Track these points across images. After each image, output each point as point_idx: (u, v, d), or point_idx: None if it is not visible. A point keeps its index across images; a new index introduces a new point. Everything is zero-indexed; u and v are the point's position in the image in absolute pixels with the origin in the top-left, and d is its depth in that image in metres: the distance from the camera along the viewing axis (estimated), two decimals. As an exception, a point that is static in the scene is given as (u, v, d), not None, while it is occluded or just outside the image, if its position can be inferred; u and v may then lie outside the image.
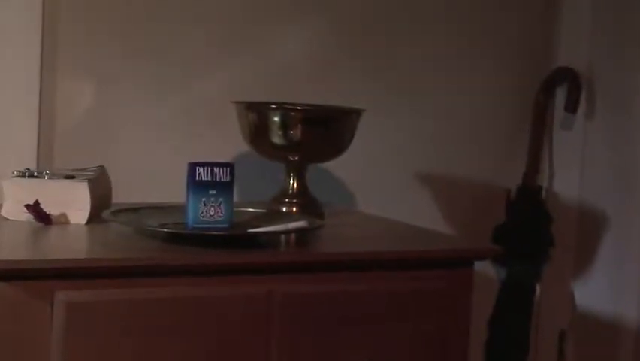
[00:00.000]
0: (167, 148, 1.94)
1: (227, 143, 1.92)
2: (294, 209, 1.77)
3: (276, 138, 1.74)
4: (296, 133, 1.73)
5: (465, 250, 1.66)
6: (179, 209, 1.56)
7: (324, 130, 1.76)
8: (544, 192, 2.31)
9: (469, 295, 1.61)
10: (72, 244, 1.53)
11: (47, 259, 1.38)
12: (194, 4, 1.97)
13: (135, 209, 1.62)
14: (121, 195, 1.77)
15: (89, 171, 1.72)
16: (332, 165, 1.97)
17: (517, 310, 2.26)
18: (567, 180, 2.34)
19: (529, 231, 2.26)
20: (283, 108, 1.76)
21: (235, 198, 1.56)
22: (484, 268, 2.17)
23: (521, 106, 2.29)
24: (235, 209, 1.56)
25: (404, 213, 1.99)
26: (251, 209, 1.67)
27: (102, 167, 1.76)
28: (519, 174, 2.29)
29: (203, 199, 1.52)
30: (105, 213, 1.56)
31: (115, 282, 1.38)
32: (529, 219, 2.26)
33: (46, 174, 1.65)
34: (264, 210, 1.70)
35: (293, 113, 1.74)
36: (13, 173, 1.65)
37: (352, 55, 2.11)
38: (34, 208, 1.58)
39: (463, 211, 2.25)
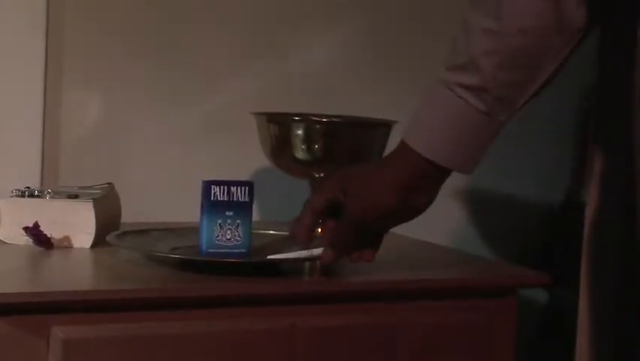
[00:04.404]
0: (182, 164, 1.86)
1: (247, 158, 1.83)
2: (319, 230, 1.65)
3: (300, 153, 1.65)
4: (321, 147, 1.64)
5: (509, 277, 1.54)
6: (193, 231, 1.46)
7: (352, 144, 1.66)
8: (590, 209, 2.20)
9: (512, 328, 1.49)
10: (73, 272, 1.42)
11: (40, 291, 1.27)
12: (211, 8, 1.88)
13: (144, 231, 1.52)
14: (131, 215, 1.67)
15: (96, 189, 1.61)
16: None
17: (561, 339, 2.15)
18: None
19: (574, 252, 2.14)
20: (307, 120, 1.66)
21: (254, 218, 1.46)
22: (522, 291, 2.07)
23: (564, 113, 2.18)
24: (254, 231, 1.45)
25: (437, 234, 1.89)
26: (272, 231, 1.57)
27: (110, 184, 1.65)
28: (562, 189, 2.17)
29: (219, 221, 1.41)
30: (110, 237, 1.45)
31: (118, 316, 1.26)
32: (574, 239, 2.14)
33: (48, 193, 1.54)
34: (286, 233, 1.58)
35: (318, 126, 1.65)
36: (12, 192, 1.54)
37: (383, 63, 2.01)
38: (33, 231, 1.47)
39: (502, 231, 2.14)
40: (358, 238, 1.29)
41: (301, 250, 1.38)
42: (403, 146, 1.22)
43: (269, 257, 1.43)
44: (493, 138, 1.22)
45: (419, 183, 1.22)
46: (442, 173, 1.22)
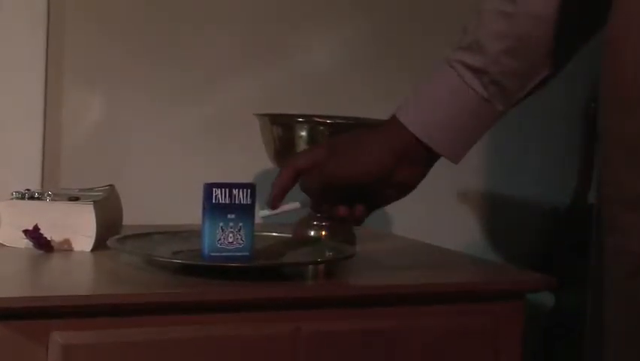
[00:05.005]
0: (183, 165, 1.83)
1: (250, 159, 1.80)
2: (323, 233, 1.63)
3: (303, 154, 1.61)
4: None
5: (515, 280, 1.51)
6: (195, 234, 1.43)
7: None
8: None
9: (518, 332, 1.47)
10: (73, 275, 1.40)
11: (39, 296, 1.24)
12: (211, 8, 1.86)
13: (146, 234, 1.49)
14: (132, 217, 1.65)
15: (97, 191, 1.59)
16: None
17: (568, 344, 2.12)
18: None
19: (581, 255, 2.12)
20: (311, 121, 1.63)
21: (257, 221, 1.43)
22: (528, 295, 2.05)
23: (570, 114, 2.15)
24: (257, 234, 1.42)
25: (442, 236, 1.86)
26: (274, 234, 1.55)
27: (112, 186, 1.63)
28: (568, 191, 2.14)
29: (221, 224, 1.38)
30: (111, 241, 1.42)
31: (119, 321, 1.24)
32: (580, 241, 2.12)
33: (49, 195, 1.52)
34: (289, 236, 1.56)
35: (322, 127, 1.62)
36: (12, 194, 1.52)
37: (383, 63, 1.99)
38: (33, 234, 1.45)
39: (506, 234, 2.12)
40: (342, 197, 1.24)
41: (270, 208, 1.32)
42: (396, 121, 1.19)
43: (272, 261, 1.42)
44: (486, 127, 1.20)
45: (409, 154, 1.19)
46: (431, 155, 1.20)
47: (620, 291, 1.06)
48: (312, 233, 1.63)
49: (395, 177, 1.22)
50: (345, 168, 1.22)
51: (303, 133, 1.61)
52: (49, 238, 1.46)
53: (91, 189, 1.60)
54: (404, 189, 1.24)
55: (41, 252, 1.45)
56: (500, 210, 2.13)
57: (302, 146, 1.60)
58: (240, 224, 1.39)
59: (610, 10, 1.04)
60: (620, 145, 1.03)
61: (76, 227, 1.48)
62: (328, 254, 1.47)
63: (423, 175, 1.23)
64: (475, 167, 2.08)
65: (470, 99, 1.17)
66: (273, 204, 1.28)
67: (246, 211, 1.39)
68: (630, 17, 1.01)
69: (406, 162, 1.21)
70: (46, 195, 1.52)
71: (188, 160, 1.83)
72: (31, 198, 1.51)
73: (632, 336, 1.04)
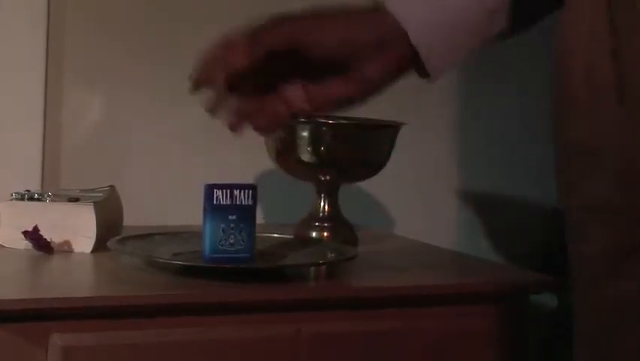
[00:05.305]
0: (184, 165, 1.82)
1: (250, 160, 1.79)
2: (325, 234, 1.63)
3: (305, 155, 1.60)
4: (327, 149, 1.59)
5: (517, 281, 1.51)
6: (196, 235, 1.42)
7: (359, 146, 1.62)
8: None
9: (518, 334, 1.46)
10: (73, 277, 1.39)
11: (39, 297, 1.23)
12: (211, 8, 1.85)
13: (146, 235, 1.48)
14: (133, 218, 1.64)
15: (97, 192, 1.58)
16: (367, 184, 1.83)
17: (569, 344, 2.11)
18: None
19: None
20: (313, 122, 1.61)
21: (258, 221, 1.43)
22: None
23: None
24: (258, 235, 1.41)
25: (442, 236, 1.87)
26: (276, 235, 1.54)
27: (112, 187, 1.62)
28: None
29: (222, 226, 1.37)
30: (111, 242, 1.41)
31: (119, 323, 1.23)
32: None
33: (48, 196, 1.51)
34: (290, 237, 1.56)
35: (324, 128, 1.60)
36: (12, 195, 1.51)
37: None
38: (33, 235, 1.44)
39: (508, 234, 2.11)
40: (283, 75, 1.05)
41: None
42: (388, 13, 1.05)
43: (272, 263, 1.41)
44: (476, 45, 1.10)
45: (387, 42, 1.06)
46: (414, 60, 1.09)
47: (586, 299, 1.04)
48: (314, 234, 1.63)
49: (363, 69, 1.07)
50: (313, 30, 1.05)
51: (305, 133, 1.60)
52: (48, 239, 1.45)
53: (91, 190, 1.59)
54: (364, 89, 1.09)
55: (41, 253, 1.44)
56: (500, 210, 2.12)
57: (303, 146, 1.60)
58: (241, 225, 1.38)
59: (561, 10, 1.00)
60: (576, 151, 1.01)
61: (77, 228, 1.47)
62: (330, 255, 1.46)
63: (393, 78, 1.10)
64: (474, 167, 2.08)
65: (476, 8, 1.07)
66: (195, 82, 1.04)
67: (247, 212, 1.38)
68: (579, 19, 0.98)
69: (382, 55, 1.07)
70: (46, 195, 1.51)
71: (188, 160, 1.83)
72: (31, 198, 1.50)
73: (598, 342, 1.02)
